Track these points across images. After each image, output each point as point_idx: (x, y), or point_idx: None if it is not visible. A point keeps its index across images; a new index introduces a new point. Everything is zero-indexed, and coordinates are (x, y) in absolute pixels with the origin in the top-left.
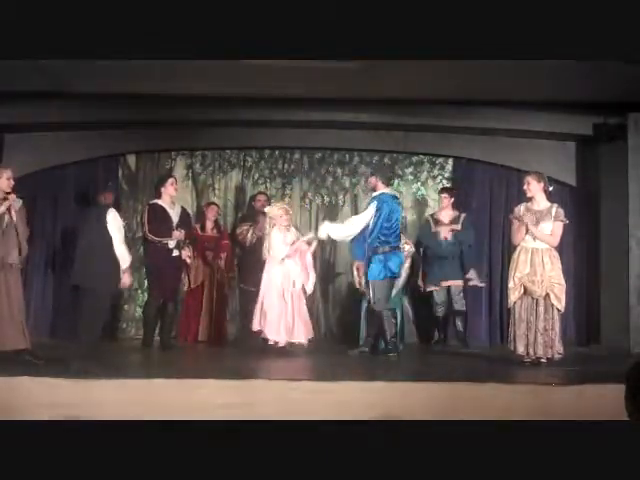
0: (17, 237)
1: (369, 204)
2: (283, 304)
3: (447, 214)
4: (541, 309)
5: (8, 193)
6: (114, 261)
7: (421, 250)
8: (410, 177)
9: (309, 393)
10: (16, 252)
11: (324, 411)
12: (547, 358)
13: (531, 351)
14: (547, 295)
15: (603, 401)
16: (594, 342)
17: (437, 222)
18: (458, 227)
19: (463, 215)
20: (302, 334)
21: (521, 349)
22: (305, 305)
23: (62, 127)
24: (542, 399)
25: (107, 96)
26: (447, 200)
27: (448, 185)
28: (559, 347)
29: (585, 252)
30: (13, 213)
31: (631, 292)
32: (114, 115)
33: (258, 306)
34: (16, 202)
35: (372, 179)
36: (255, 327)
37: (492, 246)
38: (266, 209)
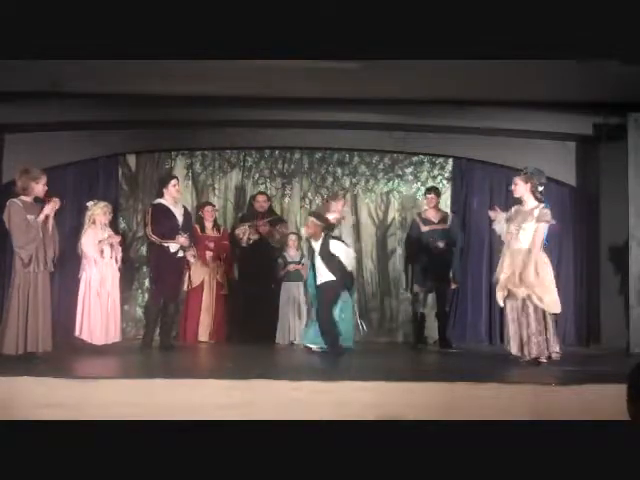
0: (54, 241)
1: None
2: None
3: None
4: (530, 310)
5: (47, 197)
6: None
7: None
8: (410, 177)
9: (310, 393)
10: (53, 256)
11: (324, 411)
12: (547, 358)
13: (525, 351)
14: (529, 296)
15: (603, 401)
16: (594, 342)
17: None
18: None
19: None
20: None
21: (515, 349)
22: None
23: (62, 127)
24: (542, 399)
25: (107, 96)
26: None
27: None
28: (555, 347)
29: (585, 252)
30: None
31: (631, 292)
32: (114, 115)
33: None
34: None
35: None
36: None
37: (492, 246)
38: (89, 204)
